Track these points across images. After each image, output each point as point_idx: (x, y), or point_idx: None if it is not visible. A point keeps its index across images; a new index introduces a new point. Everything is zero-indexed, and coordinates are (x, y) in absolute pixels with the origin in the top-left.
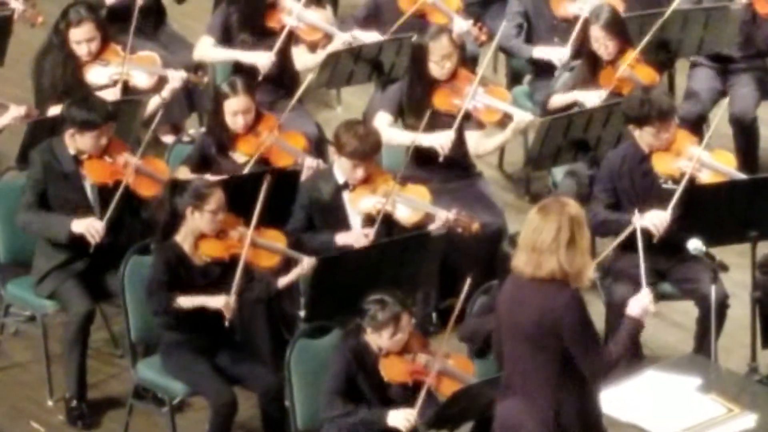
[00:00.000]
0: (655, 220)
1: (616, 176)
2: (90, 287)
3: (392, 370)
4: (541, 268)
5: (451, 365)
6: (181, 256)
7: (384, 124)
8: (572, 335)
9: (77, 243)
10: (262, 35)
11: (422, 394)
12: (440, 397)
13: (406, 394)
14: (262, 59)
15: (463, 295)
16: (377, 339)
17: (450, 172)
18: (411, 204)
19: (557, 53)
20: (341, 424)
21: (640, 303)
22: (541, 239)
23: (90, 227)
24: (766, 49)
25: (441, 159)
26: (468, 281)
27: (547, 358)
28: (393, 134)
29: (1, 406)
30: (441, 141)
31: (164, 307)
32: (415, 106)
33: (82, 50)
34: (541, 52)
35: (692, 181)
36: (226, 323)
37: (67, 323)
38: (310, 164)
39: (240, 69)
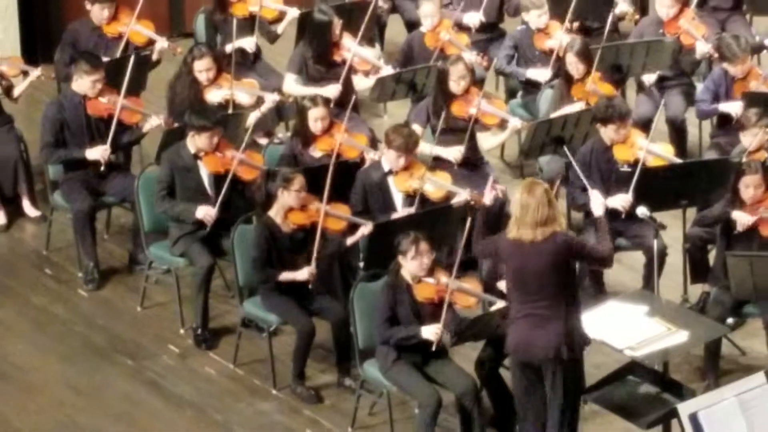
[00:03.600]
0: (623, 202)
1: (586, 165)
2: (210, 247)
3: (423, 291)
4: (546, 232)
5: (464, 284)
6: (274, 226)
7: (419, 131)
8: (579, 252)
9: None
10: (329, 66)
11: (445, 306)
12: (460, 310)
13: (434, 311)
14: (332, 91)
15: (463, 240)
16: (406, 264)
17: (465, 161)
18: (438, 184)
19: (542, 74)
20: (391, 342)
21: (596, 205)
22: (541, 214)
23: (207, 214)
24: (689, 70)
25: (455, 167)
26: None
27: (562, 288)
28: (421, 147)
29: (147, 335)
30: (454, 154)
31: (266, 280)
32: (438, 113)
33: (202, 77)
34: (531, 73)
35: (645, 165)
36: (310, 287)
37: (194, 274)
38: (371, 156)
39: None
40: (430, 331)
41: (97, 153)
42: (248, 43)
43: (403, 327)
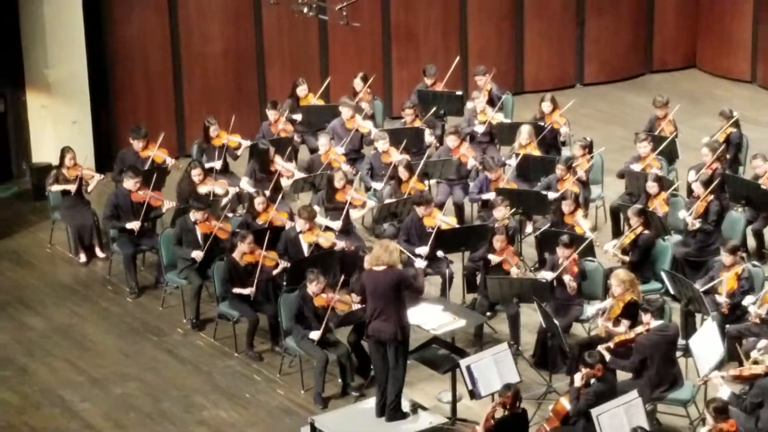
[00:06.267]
0: (423, 251)
1: (409, 228)
2: (200, 274)
3: (319, 301)
4: (388, 264)
5: (342, 298)
6: (236, 262)
7: (318, 210)
8: (406, 282)
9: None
10: (268, 174)
11: (329, 310)
12: (339, 312)
13: (325, 312)
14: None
15: (342, 275)
16: (311, 287)
17: (343, 226)
18: (326, 238)
19: (379, 185)
20: (296, 331)
21: (419, 263)
22: (387, 254)
23: (197, 256)
24: (465, 175)
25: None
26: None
27: (396, 299)
28: (319, 219)
29: (165, 323)
30: (336, 225)
31: (228, 293)
32: (329, 199)
33: (196, 179)
34: (374, 184)
35: (440, 228)
36: (251, 298)
37: (191, 288)
38: (289, 223)
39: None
40: (315, 335)
41: (132, 225)
42: (217, 164)
43: (301, 327)
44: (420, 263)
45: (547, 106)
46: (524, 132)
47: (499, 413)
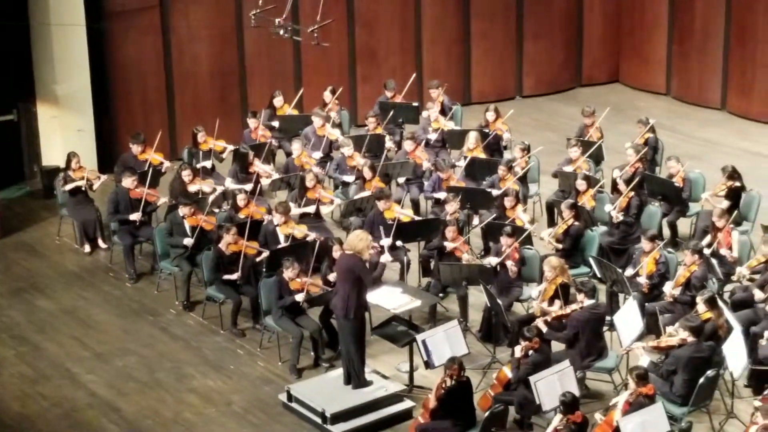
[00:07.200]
0: (386, 242)
1: (372, 221)
2: (190, 262)
3: (294, 285)
4: (354, 250)
5: (314, 281)
6: (221, 251)
7: (293, 206)
8: (360, 272)
9: (185, 247)
10: (248, 174)
11: (304, 291)
12: (312, 294)
13: (300, 293)
14: (247, 187)
15: (312, 259)
16: (287, 273)
17: (314, 220)
18: (300, 231)
19: (351, 178)
20: (279, 306)
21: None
22: (356, 241)
23: (188, 242)
24: (421, 175)
25: (312, 214)
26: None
27: (349, 280)
28: (294, 211)
29: (160, 304)
30: (311, 209)
31: (216, 279)
32: (301, 196)
33: (186, 179)
34: (345, 177)
35: (400, 219)
36: (238, 282)
37: (183, 274)
38: (267, 217)
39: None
40: (300, 296)
41: (134, 216)
42: (207, 163)
43: (284, 299)
44: (386, 257)
45: (491, 115)
46: (471, 138)
47: (448, 383)
